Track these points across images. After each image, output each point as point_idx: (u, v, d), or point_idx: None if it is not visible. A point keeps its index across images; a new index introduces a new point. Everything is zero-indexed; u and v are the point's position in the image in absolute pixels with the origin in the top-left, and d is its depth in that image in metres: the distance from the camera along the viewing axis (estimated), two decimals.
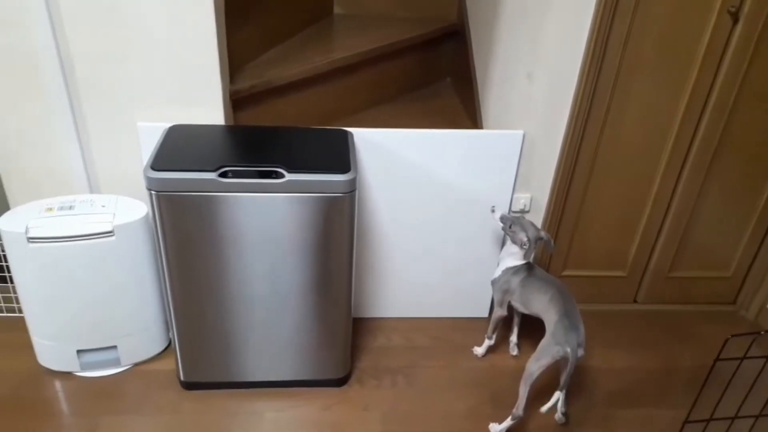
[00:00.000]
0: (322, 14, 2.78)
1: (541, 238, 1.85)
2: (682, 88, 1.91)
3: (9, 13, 1.63)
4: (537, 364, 1.69)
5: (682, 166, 2.06)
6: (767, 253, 2.25)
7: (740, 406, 1.17)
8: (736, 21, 1.81)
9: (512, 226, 1.86)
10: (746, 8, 1.79)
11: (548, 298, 1.77)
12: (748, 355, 1.00)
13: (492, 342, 2.07)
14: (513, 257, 1.89)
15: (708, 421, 1.08)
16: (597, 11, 1.74)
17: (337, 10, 2.86)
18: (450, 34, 2.75)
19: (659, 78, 1.89)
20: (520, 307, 1.90)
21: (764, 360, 1.05)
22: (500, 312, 1.97)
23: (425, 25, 2.71)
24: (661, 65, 1.86)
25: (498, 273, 1.93)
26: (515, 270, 1.88)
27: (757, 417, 1.17)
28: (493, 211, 1.92)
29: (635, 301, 2.38)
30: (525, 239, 1.82)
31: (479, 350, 2.10)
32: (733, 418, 1.15)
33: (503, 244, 2.05)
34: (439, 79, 2.91)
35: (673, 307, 2.36)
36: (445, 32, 2.73)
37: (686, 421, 1.08)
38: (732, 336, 1.00)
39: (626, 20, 1.77)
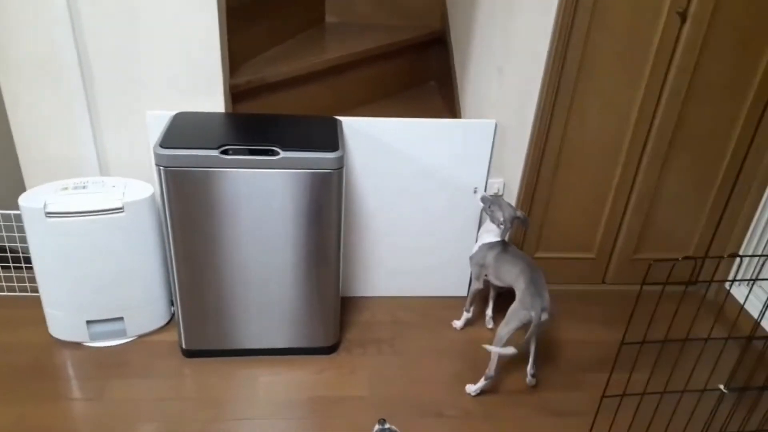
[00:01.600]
0: (315, 21, 2.99)
1: (517, 217, 2.03)
2: (638, 81, 2.12)
3: (34, 12, 1.82)
4: (506, 328, 1.87)
5: (642, 154, 2.27)
6: (723, 235, 2.45)
7: (667, 332, 1.35)
8: (684, 21, 2.02)
9: (491, 206, 2.05)
10: (693, 9, 2.00)
11: (518, 270, 1.95)
12: (669, 281, 1.18)
13: (470, 315, 2.25)
14: (490, 234, 2.07)
15: (642, 343, 1.26)
16: (559, 10, 1.95)
17: (329, 18, 3.07)
18: (434, 40, 2.96)
19: (618, 72, 2.09)
20: (494, 280, 2.08)
21: (684, 286, 1.23)
22: (477, 285, 2.15)
23: (410, 31, 2.92)
24: (619, 61, 2.07)
25: (475, 249, 2.11)
26: (490, 245, 2.06)
27: (684, 341, 1.35)
28: (475, 192, 2.11)
29: (604, 282, 2.57)
30: (501, 218, 2.01)
31: (458, 323, 2.28)
32: (663, 342, 1.33)
33: (481, 222, 2.23)
34: (424, 83, 3.12)
35: (638, 288, 2.54)
36: (429, 38, 2.95)
37: (622, 343, 1.26)
38: (654, 261, 1.18)
39: (586, 19, 1.98)
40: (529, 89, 2.09)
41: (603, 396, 1.32)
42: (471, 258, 2.13)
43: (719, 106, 2.19)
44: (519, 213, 2.04)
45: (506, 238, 2.06)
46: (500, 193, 2.26)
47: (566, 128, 2.18)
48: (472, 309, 2.24)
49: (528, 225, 2.07)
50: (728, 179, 2.35)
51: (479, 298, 2.27)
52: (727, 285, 2.45)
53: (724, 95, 2.17)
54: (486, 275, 2.11)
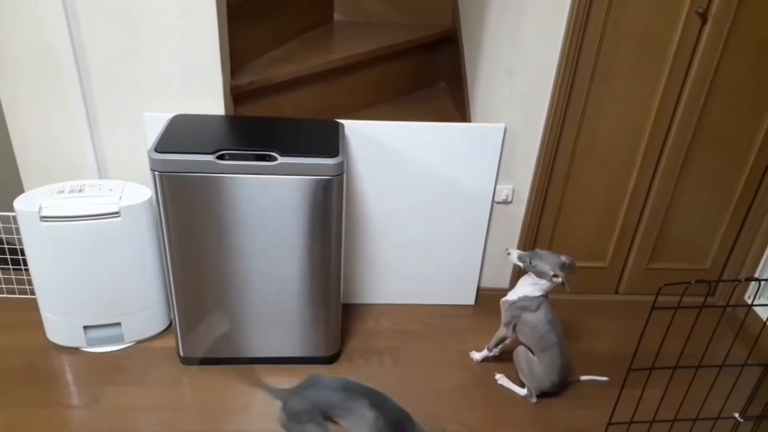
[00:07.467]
0: (322, 20, 2.93)
1: (564, 264, 1.84)
2: (656, 84, 2.02)
3: (30, 11, 1.78)
4: (523, 376, 1.89)
5: (658, 160, 2.17)
6: (743, 247, 2.34)
7: (681, 353, 1.27)
8: (704, 21, 1.93)
9: (532, 261, 1.84)
10: (714, 9, 1.90)
11: (552, 341, 1.85)
12: (683, 299, 1.10)
13: (490, 354, 2.08)
14: (533, 287, 1.87)
15: (651, 369, 1.18)
16: (572, 11, 1.86)
17: (337, 16, 3.01)
18: (445, 39, 2.88)
19: (634, 74, 2.00)
20: (519, 335, 1.94)
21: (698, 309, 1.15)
22: (505, 332, 1.98)
23: (421, 30, 2.85)
24: (635, 62, 1.98)
25: (513, 297, 1.91)
26: (531, 300, 1.87)
27: (697, 367, 1.27)
28: (508, 254, 1.91)
29: (617, 292, 2.47)
30: (551, 271, 1.81)
31: (477, 356, 2.11)
32: (674, 368, 1.25)
33: (489, 228, 2.15)
34: (435, 83, 3.04)
35: (652, 298, 2.44)
36: (440, 37, 2.87)
37: (629, 369, 1.19)
38: (665, 285, 1.10)
39: (600, 20, 1.89)
40: (540, 93, 2.01)
41: (609, 423, 1.24)
42: (503, 303, 1.95)
43: (740, 112, 2.09)
44: (564, 258, 1.84)
45: (567, 288, 1.84)
46: (509, 200, 2.18)
47: (579, 133, 2.09)
48: (495, 350, 2.07)
49: (575, 268, 1.90)
50: (749, 188, 2.25)
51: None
52: (748, 299, 2.34)
53: (746, 101, 2.07)
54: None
